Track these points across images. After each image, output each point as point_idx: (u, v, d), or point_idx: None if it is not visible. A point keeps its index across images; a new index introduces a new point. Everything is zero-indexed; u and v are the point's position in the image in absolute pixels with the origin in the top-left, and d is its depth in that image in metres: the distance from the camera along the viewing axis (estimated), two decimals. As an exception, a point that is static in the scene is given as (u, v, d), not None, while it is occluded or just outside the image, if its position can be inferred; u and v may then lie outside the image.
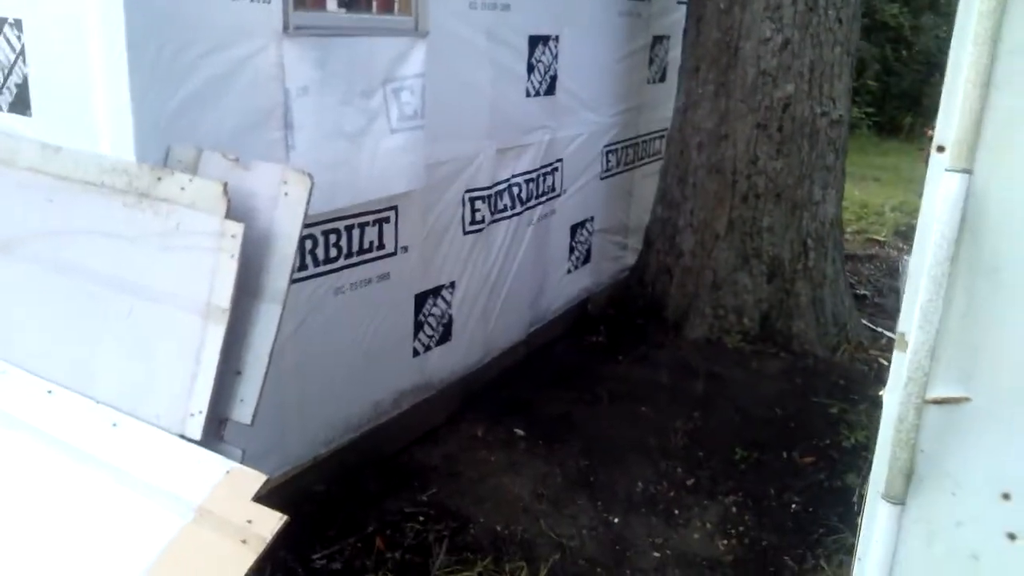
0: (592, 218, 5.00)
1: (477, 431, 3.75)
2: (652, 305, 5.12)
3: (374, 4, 3.39)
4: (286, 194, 2.11)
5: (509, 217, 4.08)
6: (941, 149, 1.44)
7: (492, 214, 3.92)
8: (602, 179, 5.01)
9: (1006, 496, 1.50)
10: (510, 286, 4.19)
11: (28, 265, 2.22)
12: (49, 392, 2.07)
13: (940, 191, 1.42)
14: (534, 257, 4.39)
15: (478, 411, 3.90)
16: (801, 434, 3.88)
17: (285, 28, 2.64)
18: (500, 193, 3.96)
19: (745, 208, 4.79)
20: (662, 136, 5.39)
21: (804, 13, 4.51)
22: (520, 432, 3.77)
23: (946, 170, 1.42)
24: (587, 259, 5.07)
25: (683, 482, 3.46)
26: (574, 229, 4.83)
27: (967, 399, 1.51)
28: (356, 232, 3.15)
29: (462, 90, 3.54)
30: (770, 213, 4.77)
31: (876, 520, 1.61)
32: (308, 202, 2.08)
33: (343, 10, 3.31)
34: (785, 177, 4.72)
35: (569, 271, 4.88)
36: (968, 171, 1.41)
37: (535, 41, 3.99)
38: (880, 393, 1.64)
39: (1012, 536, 1.51)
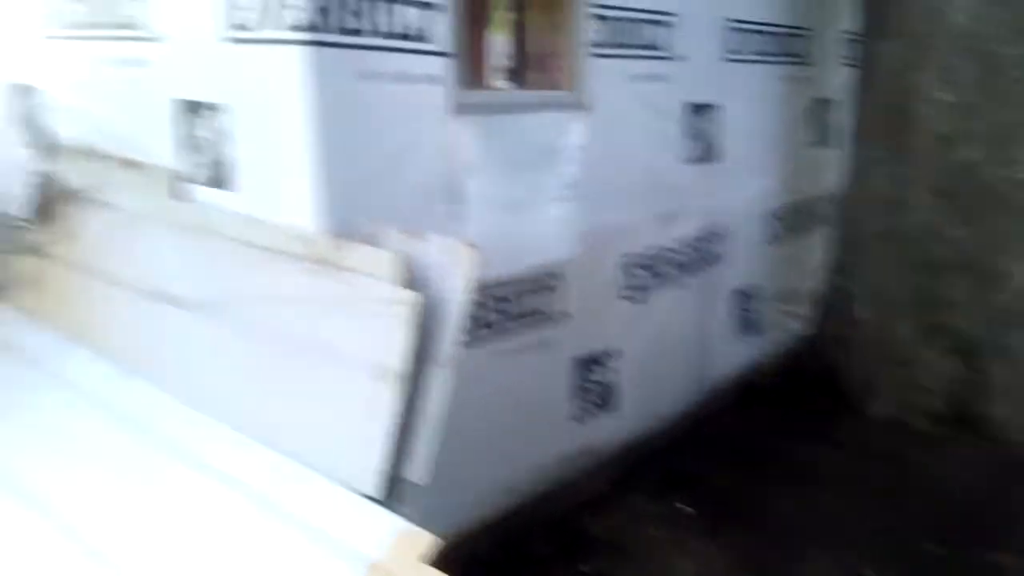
0: (759, 285, 4.86)
1: (641, 503, 3.65)
2: (827, 379, 4.84)
3: (539, 77, 3.53)
4: (455, 264, 2.20)
5: (671, 284, 4.04)
6: None
7: (654, 281, 3.90)
8: (768, 245, 4.87)
9: None
10: (674, 354, 4.12)
11: (226, 325, 2.43)
12: (238, 443, 2.22)
13: None
14: (698, 325, 4.30)
15: (642, 482, 3.80)
16: (1004, 531, 3.48)
17: (453, 108, 2.79)
18: (661, 260, 3.94)
19: (927, 279, 4.49)
20: (830, 201, 5.19)
21: (982, 74, 4.26)
22: (686, 508, 3.63)
23: None
24: (755, 328, 4.90)
25: None
26: (740, 296, 4.70)
27: None
28: (519, 298, 3.22)
29: (622, 159, 3.59)
30: (955, 285, 4.44)
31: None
32: (476, 271, 2.17)
33: (510, 86, 3.48)
34: (970, 246, 4.39)
35: (736, 340, 4.73)
36: None
37: (694, 109, 4.00)
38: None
39: None
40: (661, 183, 3.85)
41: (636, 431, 3.95)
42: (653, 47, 3.68)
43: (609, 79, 3.44)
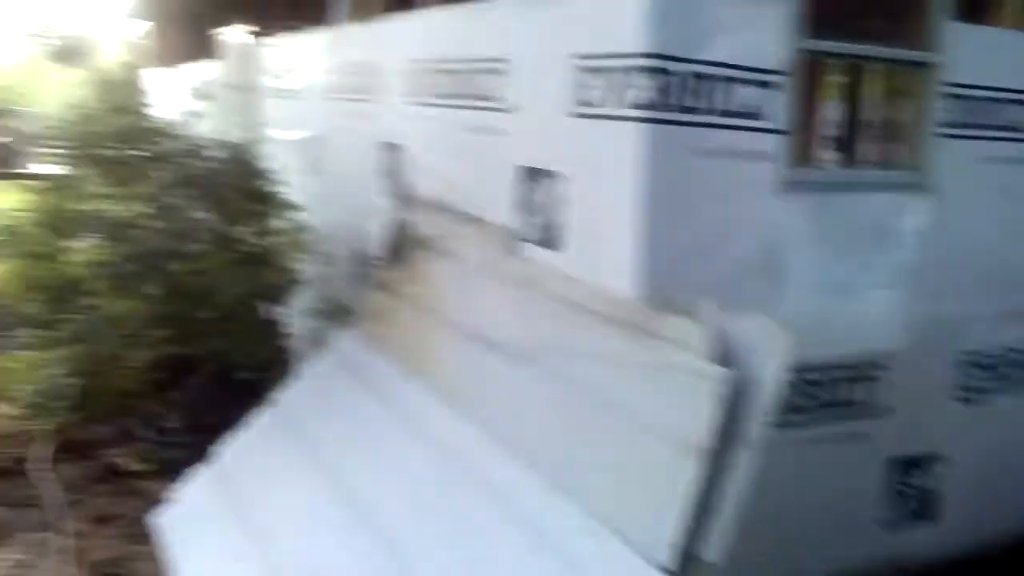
0: None
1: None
2: None
3: (872, 150, 3.36)
4: (768, 346, 2.17)
5: (1018, 389, 3.56)
6: None
7: (994, 384, 3.46)
8: None
9: None
10: (1015, 468, 3.60)
11: (541, 375, 2.60)
12: (543, 490, 2.35)
13: None
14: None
15: (959, 610, 3.36)
16: None
17: (780, 185, 2.75)
18: (1007, 361, 3.49)
19: None
20: None
21: None
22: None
23: None
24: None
25: None
26: (1105, 414, 4.00)
27: None
28: (833, 386, 3.04)
29: (967, 247, 3.27)
30: None
31: None
32: (789, 356, 2.11)
33: (839, 158, 3.34)
34: None
35: (1095, 463, 4.03)
36: None
37: (1063, 197, 3.53)
38: None
39: None
40: (1013, 276, 3.44)
41: (959, 550, 3.50)
42: (1016, 128, 3.33)
43: (958, 160, 3.17)
